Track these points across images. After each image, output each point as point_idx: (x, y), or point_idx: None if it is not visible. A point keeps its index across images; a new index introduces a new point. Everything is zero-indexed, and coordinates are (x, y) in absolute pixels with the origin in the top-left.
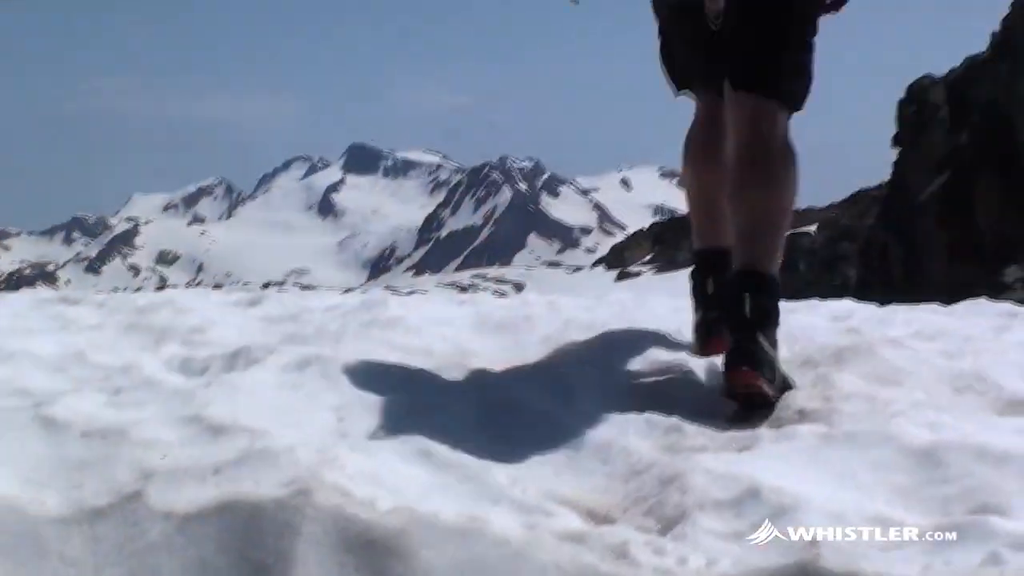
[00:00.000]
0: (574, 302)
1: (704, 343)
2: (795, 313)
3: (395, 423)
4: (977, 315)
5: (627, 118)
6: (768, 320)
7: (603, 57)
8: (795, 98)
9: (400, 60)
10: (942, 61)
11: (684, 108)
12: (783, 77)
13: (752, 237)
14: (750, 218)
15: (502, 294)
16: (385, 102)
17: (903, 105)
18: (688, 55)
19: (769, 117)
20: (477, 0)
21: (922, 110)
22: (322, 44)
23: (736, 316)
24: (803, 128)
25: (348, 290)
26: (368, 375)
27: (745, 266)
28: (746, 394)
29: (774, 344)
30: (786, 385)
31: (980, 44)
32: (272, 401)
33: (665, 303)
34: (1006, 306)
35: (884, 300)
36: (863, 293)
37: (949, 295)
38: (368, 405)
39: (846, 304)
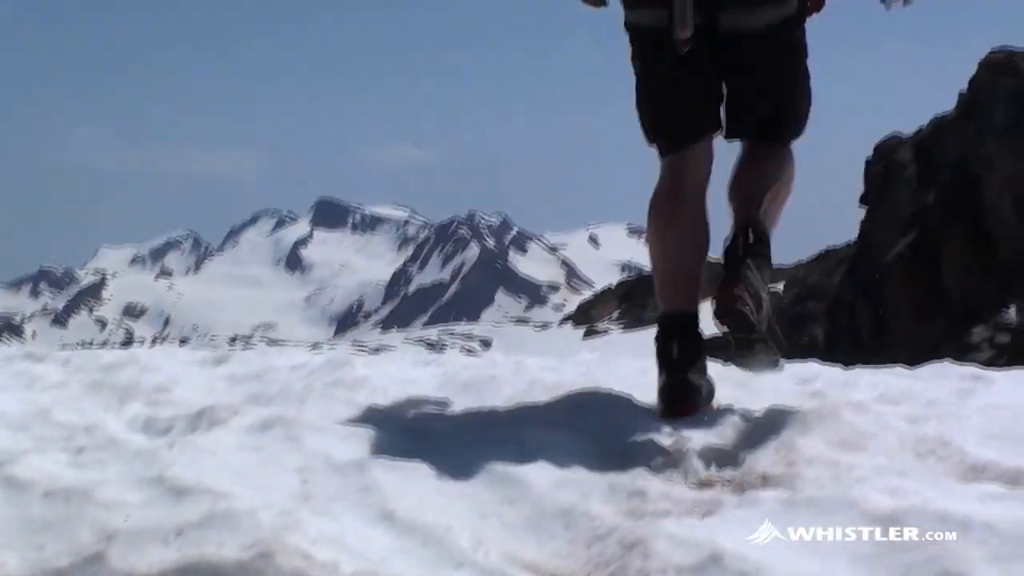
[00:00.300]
0: (540, 363)
1: (669, 406)
2: (760, 376)
3: (358, 485)
4: (942, 378)
5: (595, 175)
6: (759, 260)
7: (572, 113)
8: (801, 132)
9: (369, 115)
10: (910, 120)
11: (652, 166)
12: (794, 126)
13: (754, 198)
14: (753, 186)
15: (470, 350)
16: (353, 157)
17: (871, 164)
18: (668, 100)
19: (781, 154)
20: (445, 54)
21: (889, 169)
22: (291, 98)
23: (732, 255)
24: None
25: (315, 345)
26: (332, 437)
27: (744, 221)
28: (732, 309)
29: (765, 281)
30: (771, 328)
31: (948, 103)
32: (235, 462)
33: (631, 364)
34: (971, 369)
35: (851, 359)
36: (831, 352)
37: (916, 354)
38: (331, 467)
39: (811, 367)
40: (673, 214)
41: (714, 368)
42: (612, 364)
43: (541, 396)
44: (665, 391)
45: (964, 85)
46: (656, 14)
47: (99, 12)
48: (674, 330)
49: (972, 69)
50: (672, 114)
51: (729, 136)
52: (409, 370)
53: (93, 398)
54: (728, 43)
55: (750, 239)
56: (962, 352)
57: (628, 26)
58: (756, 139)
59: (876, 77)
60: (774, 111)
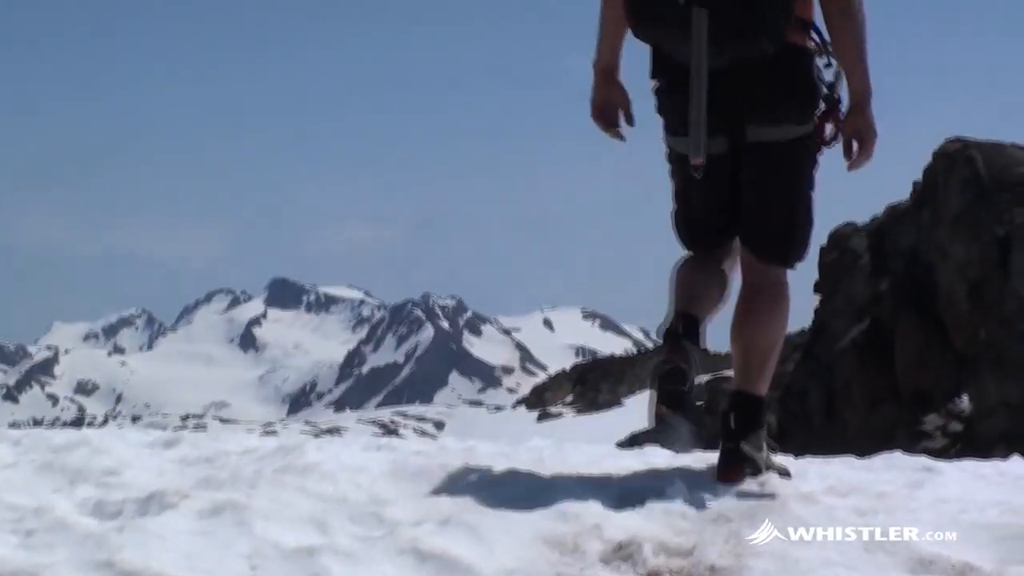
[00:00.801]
0: (491, 448)
1: (667, 354)
2: (707, 464)
3: (307, 572)
4: (892, 469)
5: (550, 259)
6: (750, 429)
7: (528, 197)
8: (799, 259)
9: (323, 194)
10: (864, 209)
11: (608, 253)
12: (793, 250)
13: (745, 367)
14: (745, 352)
15: (423, 432)
16: (308, 236)
17: (824, 252)
18: (698, 218)
19: (777, 276)
20: (400, 134)
21: (843, 257)
22: (245, 177)
23: (726, 429)
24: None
25: (267, 425)
26: (281, 523)
27: (737, 389)
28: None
29: (759, 446)
30: (782, 471)
31: (902, 192)
32: (184, 547)
33: (583, 451)
34: (921, 460)
35: (804, 446)
36: (783, 439)
37: (870, 442)
38: (280, 553)
39: None
40: (696, 264)
41: (662, 456)
42: (564, 451)
43: (492, 484)
44: (668, 343)
45: (918, 174)
46: (687, 142)
47: (48, 90)
48: (679, 319)
49: (927, 158)
50: (692, 225)
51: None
52: (360, 456)
53: (43, 479)
54: (749, 151)
55: (740, 421)
56: (916, 440)
57: (667, 148)
58: (757, 253)
59: (829, 166)
60: (776, 221)
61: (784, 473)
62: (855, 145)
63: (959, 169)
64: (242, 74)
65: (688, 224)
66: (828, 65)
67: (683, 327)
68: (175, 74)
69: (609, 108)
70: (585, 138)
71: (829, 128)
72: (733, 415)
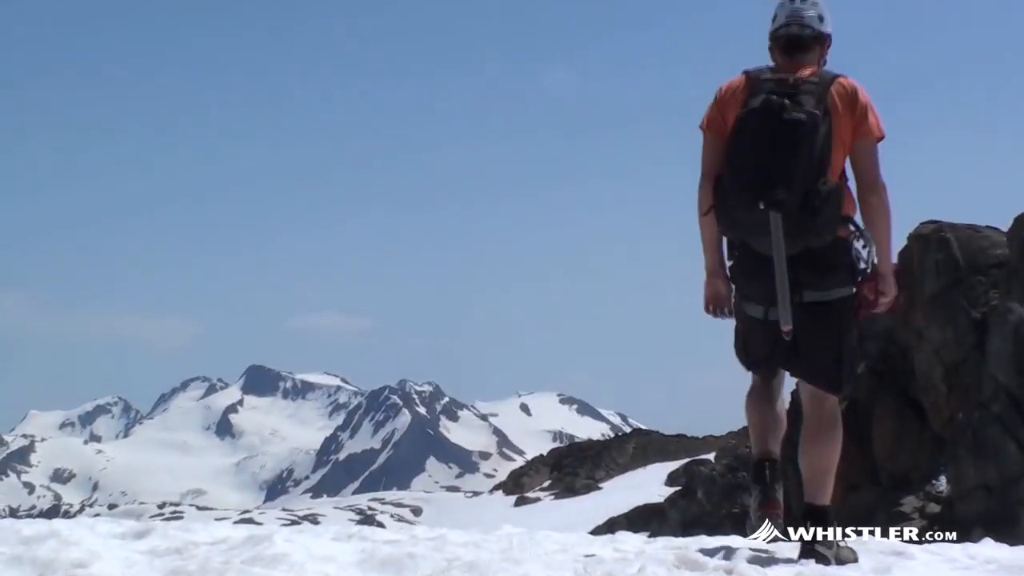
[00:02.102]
0: (462, 537)
1: (762, 510)
2: (675, 550)
3: None
4: (863, 554)
5: (527, 344)
6: (825, 537)
7: (504, 284)
8: (849, 385)
9: (299, 281)
10: None
11: (584, 338)
12: (843, 382)
13: (813, 482)
14: (812, 469)
15: (401, 518)
16: (284, 324)
17: None
18: (759, 349)
19: (832, 403)
20: (373, 222)
21: None
22: (221, 265)
23: (806, 546)
24: (710, 362)
25: (244, 512)
26: None
27: (809, 502)
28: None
29: (829, 545)
30: (847, 559)
31: None
32: None
33: (554, 539)
34: (893, 544)
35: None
36: None
37: (848, 524)
38: None
39: (730, 542)
40: (762, 412)
41: (632, 542)
42: (534, 539)
43: (461, 573)
44: (759, 502)
45: (894, 258)
46: (756, 308)
47: (20, 179)
48: (765, 463)
49: (902, 241)
50: (752, 355)
51: (795, 375)
52: (329, 545)
53: (12, 572)
54: (806, 309)
55: (813, 531)
56: (894, 521)
57: (738, 310)
58: (815, 383)
59: None
60: (828, 359)
61: (851, 560)
62: (880, 297)
63: (934, 251)
64: (216, 163)
65: (740, 354)
66: (864, 245)
67: (769, 473)
68: (149, 159)
69: (718, 300)
70: (561, 228)
71: (868, 290)
72: (807, 524)
